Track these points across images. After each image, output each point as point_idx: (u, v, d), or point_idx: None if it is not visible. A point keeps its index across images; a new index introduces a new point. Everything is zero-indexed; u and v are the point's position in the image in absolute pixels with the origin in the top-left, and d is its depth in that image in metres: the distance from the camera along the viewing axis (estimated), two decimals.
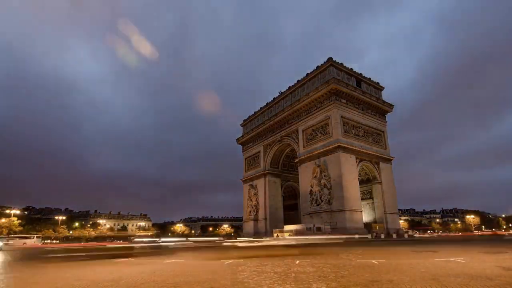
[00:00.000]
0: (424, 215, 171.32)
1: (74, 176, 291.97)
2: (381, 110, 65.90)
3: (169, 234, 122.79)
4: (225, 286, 7.10)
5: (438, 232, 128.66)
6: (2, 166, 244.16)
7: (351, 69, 63.11)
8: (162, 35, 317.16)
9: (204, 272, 9.86)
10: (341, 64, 61.33)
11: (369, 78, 66.18)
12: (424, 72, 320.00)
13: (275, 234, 60.75)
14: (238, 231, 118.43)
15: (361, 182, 60.51)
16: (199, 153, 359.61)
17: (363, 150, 58.36)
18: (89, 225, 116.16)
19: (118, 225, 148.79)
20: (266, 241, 44.62)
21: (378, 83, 68.42)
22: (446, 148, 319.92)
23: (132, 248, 28.45)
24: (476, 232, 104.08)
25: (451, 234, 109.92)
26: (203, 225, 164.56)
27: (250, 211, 79.08)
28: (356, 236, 45.58)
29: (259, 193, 77.22)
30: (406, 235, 61.50)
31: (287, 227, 60.75)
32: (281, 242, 40.25)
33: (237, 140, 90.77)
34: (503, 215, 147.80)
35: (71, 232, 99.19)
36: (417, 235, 77.89)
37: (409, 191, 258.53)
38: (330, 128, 57.26)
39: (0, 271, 12.37)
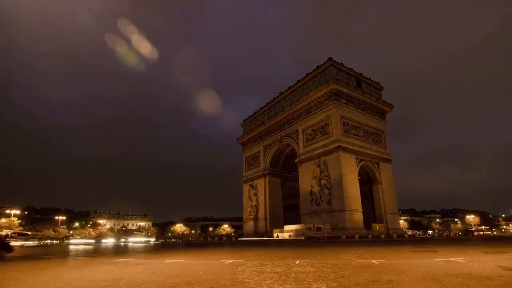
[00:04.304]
0: (424, 215, 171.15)
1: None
2: (381, 110, 65.93)
3: (169, 234, 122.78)
4: (225, 286, 7.09)
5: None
6: (2, 166, 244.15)
7: (351, 69, 63.10)
8: None
9: (204, 272, 9.84)
10: (341, 64, 61.31)
11: (369, 78, 66.19)
12: None
13: (275, 234, 60.82)
14: (238, 231, 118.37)
15: (361, 182, 60.50)
16: None
17: (363, 150, 58.36)
18: (89, 225, 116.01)
19: (118, 225, 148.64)
20: None
21: (378, 83, 68.42)
22: None
23: None
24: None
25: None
26: (203, 225, 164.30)
27: (250, 211, 79.16)
28: (356, 236, 45.62)
29: (259, 193, 77.29)
30: (406, 235, 61.53)
31: (287, 227, 60.78)
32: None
33: (237, 140, 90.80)
34: (503, 215, 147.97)
35: (71, 232, 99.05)
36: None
37: (409, 191, 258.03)
38: (330, 128, 57.27)
39: None
